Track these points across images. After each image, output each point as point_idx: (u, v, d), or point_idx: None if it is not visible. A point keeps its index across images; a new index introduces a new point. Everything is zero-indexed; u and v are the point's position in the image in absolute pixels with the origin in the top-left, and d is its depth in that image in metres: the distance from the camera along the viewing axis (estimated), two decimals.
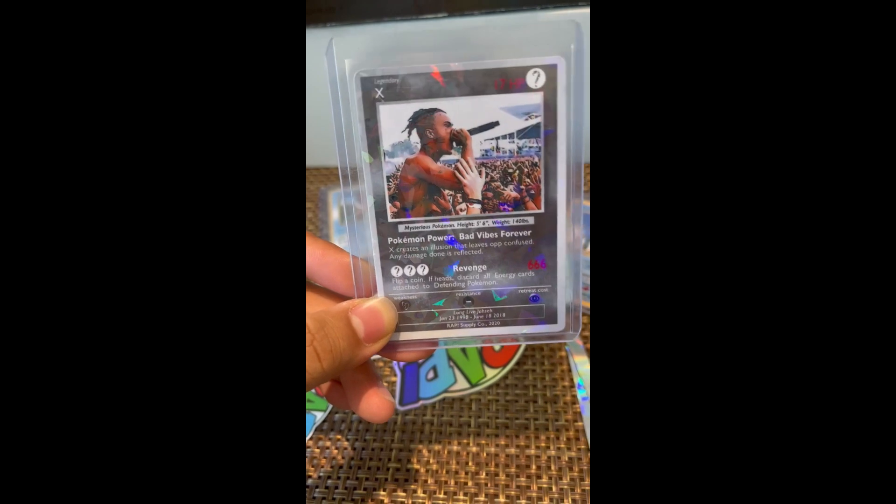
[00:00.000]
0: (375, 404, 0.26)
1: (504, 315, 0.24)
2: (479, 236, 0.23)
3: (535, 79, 0.21)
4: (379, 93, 0.22)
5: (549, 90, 0.21)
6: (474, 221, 0.23)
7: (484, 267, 0.24)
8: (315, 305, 0.26)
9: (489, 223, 0.23)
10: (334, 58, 0.22)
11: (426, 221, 0.23)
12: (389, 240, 0.23)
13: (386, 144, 0.22)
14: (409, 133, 0.22)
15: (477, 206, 0.23)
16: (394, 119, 0.22)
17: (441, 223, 0.23)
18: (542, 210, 0.23)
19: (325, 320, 0.22)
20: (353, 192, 0.23)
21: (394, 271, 0.24)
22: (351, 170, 0.23)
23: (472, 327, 0.24)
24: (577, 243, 0.23)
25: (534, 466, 0.34)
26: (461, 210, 0.23)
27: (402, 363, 0.40)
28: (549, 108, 0.22)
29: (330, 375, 0.22)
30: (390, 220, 0.23)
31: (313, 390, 0.38)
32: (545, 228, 0.23)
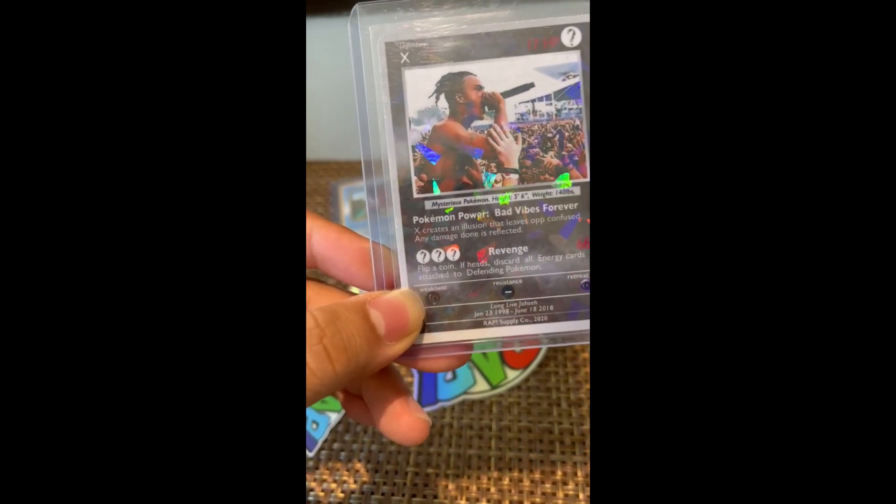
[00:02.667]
0: (406, 424, 0.22)
1: (552, 307, 0.21)
2: (518, 211, 0.21)
3: (570, 37, 0.20)
4: (405, 58, 0.20)
5: (587, 49, 0.20)
6: (512, 195, 0.21)
7: (525, 248, 0.21)
8: (325, 301, 0.23)
9: (529, 196, 0.21)
10: (358, 26, 0.21)
11: (457, 196, 0.21)
12: (415, 219, 0.21)
13: (412, 111, 0.21)
14: (437, 98, 0.21)
15: (514, 177, 0.21)
16: (420, 84, 0.20)
17: (473, 198, 0.21)
18: (589, 179, 0.21)
19: (337, 313, 0.19)
20: (376, 180, 0.21)
21: (420, 256, 0.21)
22: (374, 155, 0.21)
23: (514, 324, 0.21)
24: None
25: (559, 472, 0.33)
26: (497, 182, 0.21)
27: None
28: (589, 67, 0.20)
29: (343, 381, 0.19)
30: (416, 195, 0.21)
31: None
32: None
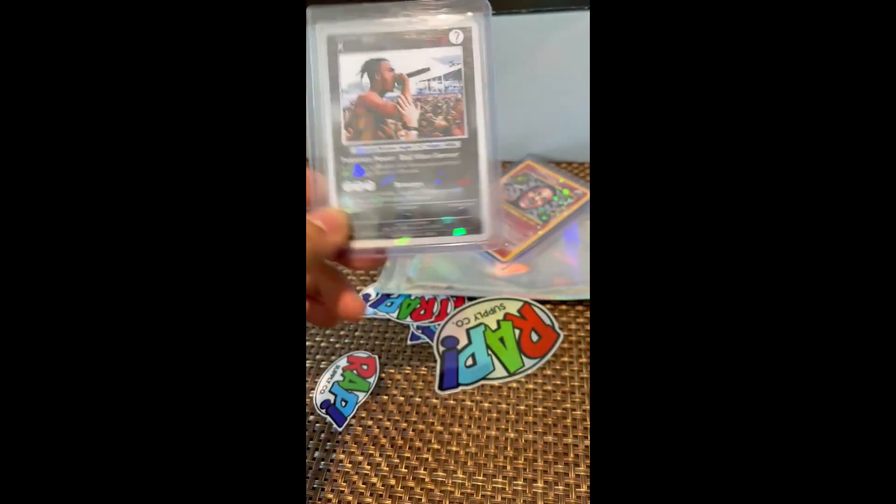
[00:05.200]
0: (351, 305, 0.31)
1: (437, 226, 0.29)
2: (417, 158, 0.29)
3: (456, 36, 0.29)
4: (341, 46, 0.29)
5: (467, 45, 0.29)
6: (412, 145, 0.29)
7: (420, 184, 0.29)
8: None
9: (424, 146, 0.29)
10: (309, 25, 0.30)
11: (374, 145, 0.29)
12: (342, 159, 0.29)
13: (343, 84, 0.29)
14: (362, 76, 0.29)
15: (414, 133, 0.29)
16: (350, 66, 0.29)
17: (385, 146, 0.29)
18: (466, 136, 0.29)
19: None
20: (319, 140, 0.29)
21: (346, 186, 0.29)
22: (317, 118, 0.29)
23: (411, 237, 0.29)
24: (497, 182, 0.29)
25: (571, 455, 0.35)
26: (402, 136, 0.29)
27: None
28: (468, 58, 0.29)
29: (307, 261, 0.26)
30: (344, 142, 0.29)
31: (355, 371, 0.39)
32: (469, 151, 0.29)
